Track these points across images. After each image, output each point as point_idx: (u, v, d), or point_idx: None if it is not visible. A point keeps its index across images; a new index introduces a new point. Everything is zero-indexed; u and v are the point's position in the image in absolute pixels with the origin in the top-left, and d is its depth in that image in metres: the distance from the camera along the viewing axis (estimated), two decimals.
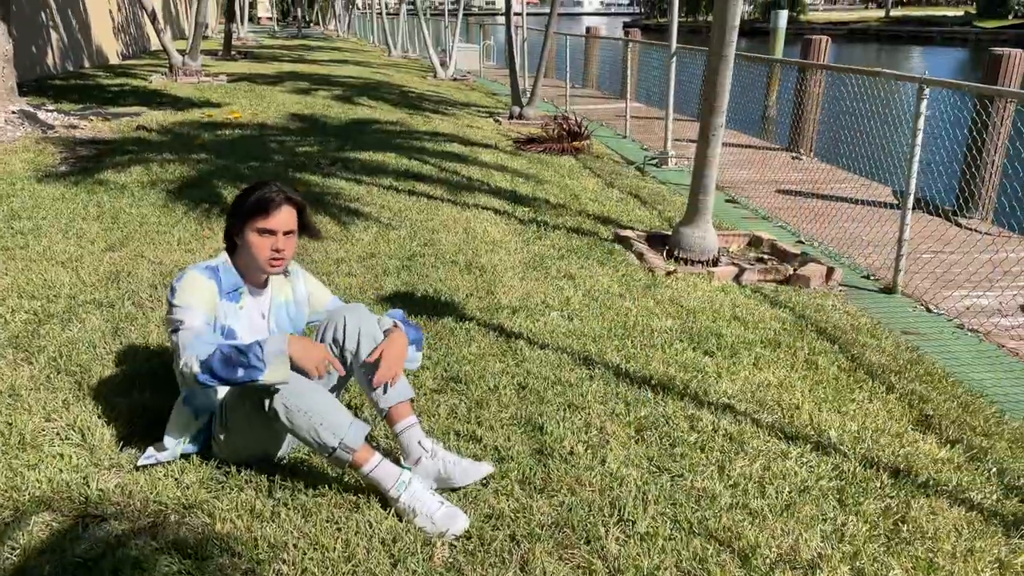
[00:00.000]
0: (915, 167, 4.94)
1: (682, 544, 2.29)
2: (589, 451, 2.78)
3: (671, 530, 2.36)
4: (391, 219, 5.75)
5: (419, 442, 2.52)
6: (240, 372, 2.31)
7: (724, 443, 2.90)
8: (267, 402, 2.30)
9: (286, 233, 2.54)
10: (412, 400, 2.60)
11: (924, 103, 4.83)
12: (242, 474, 2.56)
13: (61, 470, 2.57)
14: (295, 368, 2.34)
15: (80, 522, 2.34)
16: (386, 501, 2.37)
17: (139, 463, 2.59)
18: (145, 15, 15.46)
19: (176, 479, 2.55)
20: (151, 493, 2.47)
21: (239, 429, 2.51)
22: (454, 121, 11.23)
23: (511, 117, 11.81)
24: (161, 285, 4.21)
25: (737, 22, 4.90)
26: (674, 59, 8.97)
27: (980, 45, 46.87)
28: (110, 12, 18.98)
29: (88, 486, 2.49)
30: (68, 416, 2.88)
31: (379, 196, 6.39)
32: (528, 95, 11.90)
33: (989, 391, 3.67)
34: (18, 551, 2.21)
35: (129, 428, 2.82)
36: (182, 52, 14.72)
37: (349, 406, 2.89)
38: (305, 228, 2.65)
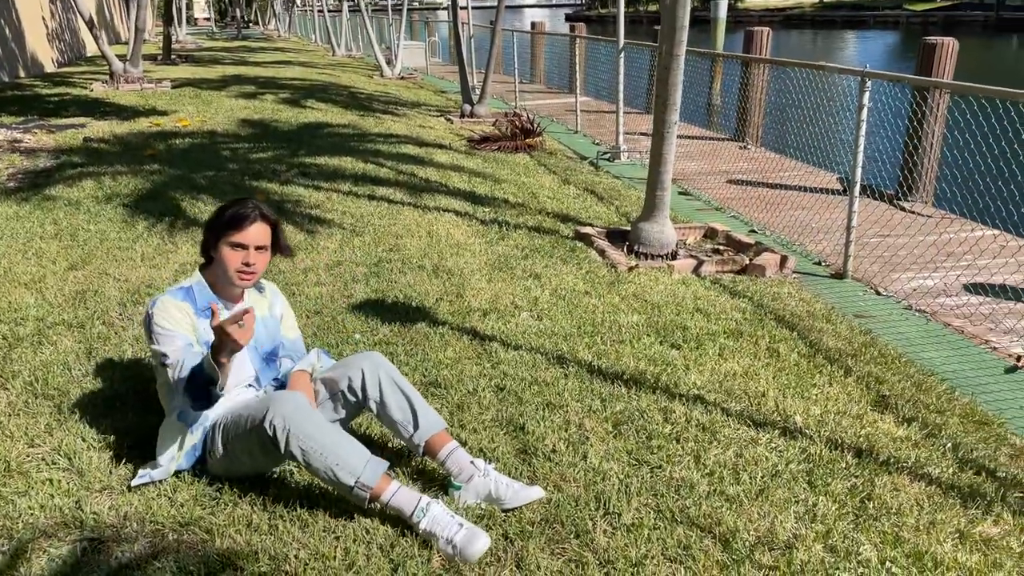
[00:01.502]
0: (860, 156, 5.15)
1: (666, 533, 2.42)
2: (571, 448, 2.89)
3: (655, 520, 2.49)
4: (354, 225, 5.79)
5: (471, 462, 2.60)
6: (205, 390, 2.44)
7: (697, 433, 3.03)
8: (282, 444, 2.35)
9: (258, 248, 2.62)
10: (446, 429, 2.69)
11: (867, 95, 5.04)
12: (235, 489, 2.61)
13: (52, 495, 2.59)
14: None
15: (78, 547, 2.37)
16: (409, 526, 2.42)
17: (133, 483, 2.62)
18: (81, 20, 15.11)
19: (169, 498, 2.59)
20: (146, 513, 2.51)
21: (240, 456, 2.56)
22: (406, 122, 11.25)
23: (462, 115, 11.86)
24: (130, 303, 4.21)
25: (687, 22, 5.05)
26: (622, 54, 9.12)
27: (911, 28, 48.28)
28: (43, 18, 18.50)
29: (82, 510, 2.52)
30: (52, 441, 2.89)
31: (340, 202, 6.41)
32: (478, 93, 11.96)
33: (939, 369, 3.88)
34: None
35: (116, 449, 2.84)
36: (122, 58, 14.45)
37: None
38: (278, 246, 2.72)
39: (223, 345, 2.31)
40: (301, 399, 2.47)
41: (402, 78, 18.54)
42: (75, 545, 2.37)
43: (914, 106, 7.06)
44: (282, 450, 2.37)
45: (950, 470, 2.89)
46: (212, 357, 2.34)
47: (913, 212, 7.00)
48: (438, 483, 2.69)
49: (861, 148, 5.13)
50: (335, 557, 2.29)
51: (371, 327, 3.98)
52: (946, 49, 6.97)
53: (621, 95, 9.17)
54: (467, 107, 11.88)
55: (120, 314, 4.07)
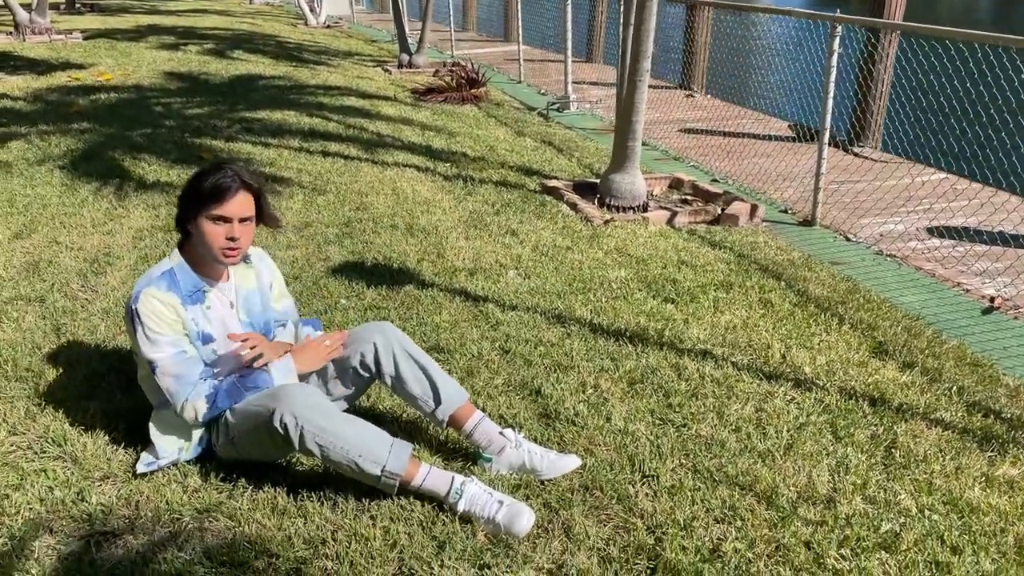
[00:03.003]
0: (830, 103, 5.16)
1: (709, 494, 2.38)
2: (592, 410, 2.82)
3: (694, 481, 2.45)
4: (314, 183, 5.54)
5: (500, 432, 2.48)
6: (247, 395, 2.36)
7: (714, 389, 3.00)
8: (296, 442, 2.19)
9: (242, 220, 2.37)
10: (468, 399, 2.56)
11: (836, 40, 5.02)
12: (250, 472, 2.45)
13: (51, 487, 2.39)
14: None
15: (91, 542, 2.19)
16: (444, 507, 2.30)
17: (138, 470, 2.44)
18: None
19: (180, 483, 2.42)
20: (159, 501, 2.34)
21: (249, 449, 2.40)
22: (342, 73, 10.84)
23: (400, 66, 11.50)
24: (90, 273, 3.92)
25: None
26: (569, 2, 8.92)
27: None
28: None
29: (86, 501, 2.34)
30: (36, 427, 2.67)
31: (293, 159, 6.13)
32: (415, 42, 11.60)
33: (920, 313, 3.94)
34: None
35: (109, 433, 2.64)
36: (27, 8, 13.46)
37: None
38: (263, 215, 2.48)
39: (305, 364, 2.43)
40: (308, 390, 2.30)
41: (328, 27, 17.87)
42: (86, 540, 2.20)
43: (865, 51, 7.12)
44: (296, 447, 2.21)
45: (959, 414, 2.94)
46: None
47: (864, 157, 7.11)
48: (462, 453, 2.59)
49: (831, 95, 5.13)
50: (375, 538, 2.18)
51: (356, 291, 3.81)
52: None
53: (569, 43, 9.00)
54: (405, 57, 11.51)
55: (82, 286, 3.79)
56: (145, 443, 2.54)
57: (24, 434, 2.64)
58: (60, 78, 9.35)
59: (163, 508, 2.31)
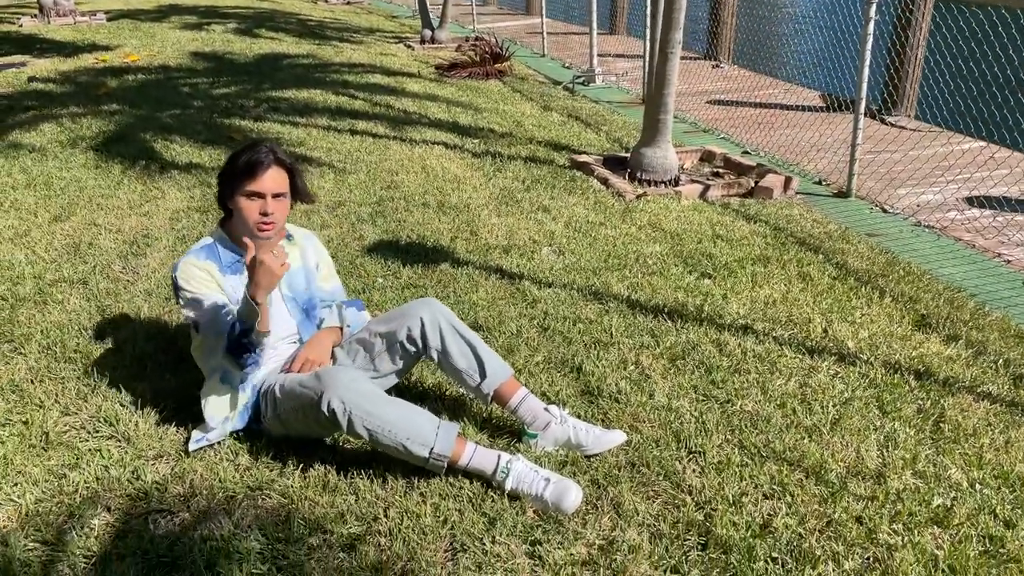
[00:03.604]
0: (866, 72, 5.07)
1: (757, 470, 2.38)
2: (635, 387, 2.82)
3: (741, 457, 2.45)
4: (343, 162, 5.54)
5: (545, 408, 2.49)
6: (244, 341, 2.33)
7: (756, 364, 2.99)
8: (344, 426, 2.21)
9: (275, 196, 2.43)
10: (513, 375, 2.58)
11: (873, 7, 4.93)
12: (299, 449, 2.48)
13: (106, 467, 2.44)
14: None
15: (147, 519, 2.23)
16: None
17: (190, 448, 2.48)
18: None
19: (232, 461, 2.45)
20: (213, 479, 2.37)
21: (296, 427, 2.44)
22: (366, 50, 10.80)
23: (423, 42, 11.44)
24: (131, 255, 3.97)
25: None
26: None
27: None
28: None
29: (142, 480, 2.38)
30: (88, 408, 2.72)
31: (322, 138, 6.13)
32: (438, 17, 11.52)
33: (962, 285, 3.89)
34: (93, 558, 2.10)
35: (160, 413, 2.68)
36: None
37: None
38: (297, 192, 2.54)
39: (259, 281, 2.22)
40: (354, 374, 2.34)
41: (348, 3, 17.81)
42: (143, 517, 2.24)
43: (899, 17, 6.98)
44: (344, 431, 2.24)
45: (1005, 387, 2.91)
46: (249, 297, 2.25)
47: (898, 126, 6.99)
48: (506, 430, 2.60)
49: (867, 63, 5.04)
50: (426, 515, 2.20)
51: (392, 270, 3.82)
52: None
53: (594, 16, 8.90)
54: (427, 33, 11.45)
55: (123, 268, 3.83)
56: (194, 422, 2.59)
57: (77, 414, 2.69)
58: (87, 60, 9.39)
59: (216, 486, 2.35)
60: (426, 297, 2.65)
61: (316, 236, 2.79)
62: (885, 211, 5.02)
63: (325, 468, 2.40)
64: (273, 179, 2.41)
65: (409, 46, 11.32)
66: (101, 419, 2.66)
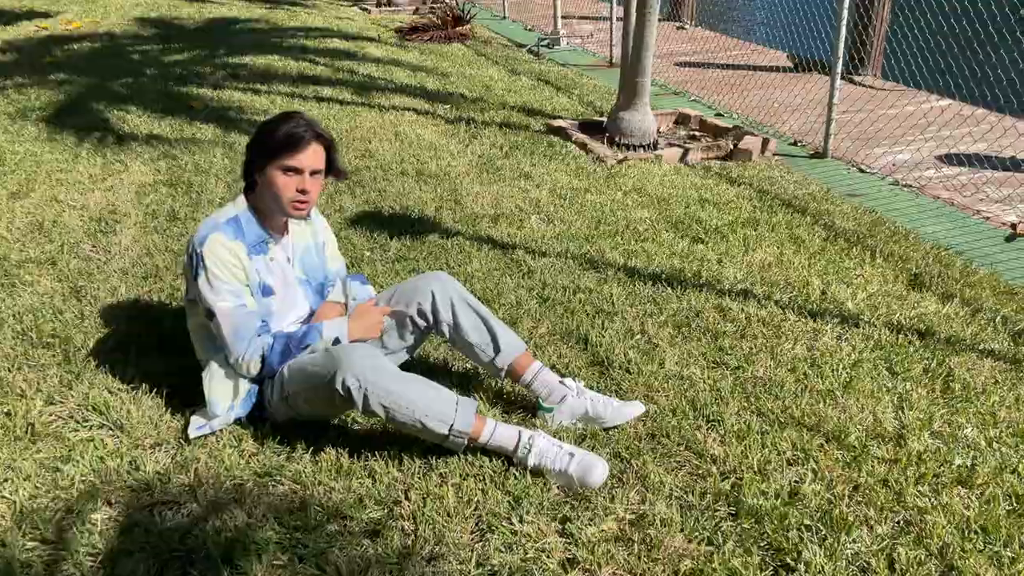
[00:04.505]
0: (843, 31, 5.04)
1: (778, 436, 2.35)
2: (644, 356, 2.77)
3: (760, 423, 2.42)
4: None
5: (561, 382, 2.42)
6: (297, 353, 2.32)
7: (761, 329, 2.96)
8: (359, 404, 2.11)
9: (313, 173, 2.29)
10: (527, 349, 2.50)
11: None
12: (306, 433, 2.38)
13: (101, 458, 2.31)
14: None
15: (153, 511, 2.12)
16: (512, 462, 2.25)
17: (191, 435, 2.36)
18: None
19: (236, 448, 2.34)
20: (218, 467, 2.26)
21: (302, 408, 2.32)
22: (320, 14, 10.49)
23: (379, 4, 11.15)
24: (99, 232, 3.78)
25: None
26: None
27: None
28: None
29: (141, 471, 2.26)
30: (74, 395, 2.57)
31: (287, 106, 5.92)
32: None
33: (946, 242, 3.91)
34: (99, 555, 1.99)
35: (152, 398, 2.55)
36: None
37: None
38: (332, 168, 2.40)
39: (356, 330, 2.36)
40: (368, 350, 2.23)
41: None
42: (148, 510, 2.12)
43: None
44: (360, 409, 2.14)
45: (1006, 344, 2.93)
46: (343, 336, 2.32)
47: (865, 85, 7.02)
48: (520, 405, 2.53)
49: (844, 22, 5.01)
50: (448, 496, 2.13)
51: (379, 243, 3.70)
52: None
53: None
54: None
55: (94, 246, 3.65)
56: (191, 406, 2.47)
57: (63, 403, 2.55)
58: (27, 28, 8.96)
59: (223, 474, 2.24)
60: (435, 271, 2.55)
61: (320, 214, 2.67)
62: (862, 171, 5.03)
63: (336, 451, 2.30)
64: (313, 155, 2.27)
65: (365, 9, 11.02)
66: (89, 407, 2.52)
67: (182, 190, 4.24)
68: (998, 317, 3.11)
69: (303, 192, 2.28)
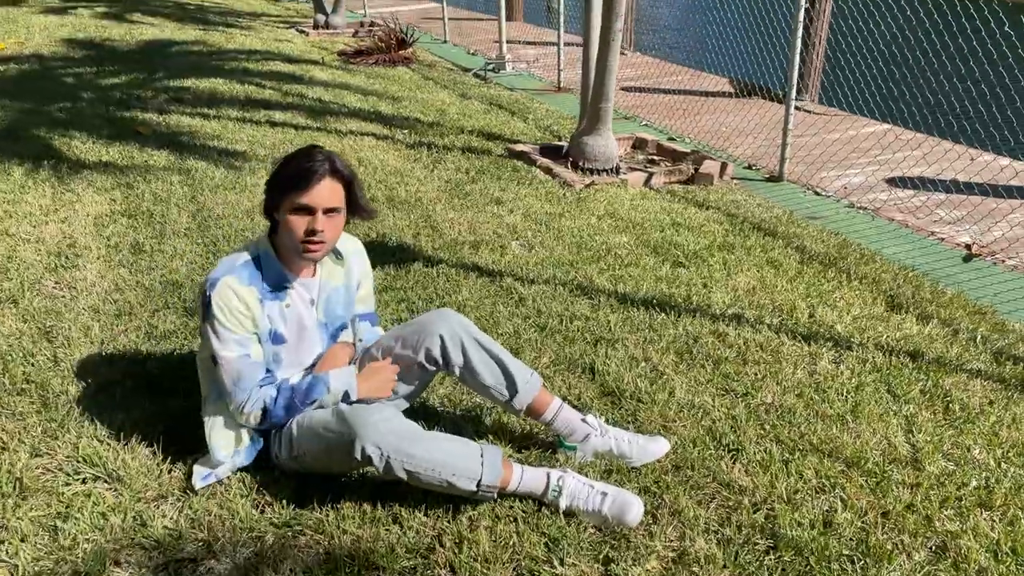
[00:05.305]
0: (796, 59, 5.19)
1: (801, 464, 2.36)
2: (654, 385, 2.76)
3: (780, 451, 2.43)
4: (272, 155, 5.22)
5: (583, 420, 2.36)
6: (302, 409, 2.21)
7: (760, 354, 2.99)
8: (380, 469, 2.02)
9: (327, 211, 2.13)
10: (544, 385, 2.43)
11: None
12: (320, 480, 2.27)
13: (103, 514, 2.16)
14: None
15: (170, 571, 1.99)
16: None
17: (196, 485, 2.23)
18: None
19: (247, 497, 2.23)
20: (231, 519, 2.14)
21: (314, 466, 2.22)
22: (257, 35, 10.28)
23: (316, 27, 10.99)
24: (62, 267, 3.57)
25: None
26: None
27: None
28: None
29: (148, 526, 2.12)
30: (62, 446, 2.41)
31: (239, 131, 5.76)
32: (332, 2, 11.09)
33: (911, 264, 4.04)
34: None
35: (148, 446, 2.41)
36: None
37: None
38: (354, 206, 2.24)
39: (366, 388, 2.27)
40: (385, 412, 2.11)
41: None
42: (165, 570, 1.99)
43: (806, 3, 7.19)
44: (381, 473, 2.05)
45: (990, 363, 3.03)
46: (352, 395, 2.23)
47: (806, 110, 7.25)
48: (536, 438, 2.48)
49: (797, 51, 5.16)
50: (482, 540, 2.06)
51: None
52: None
53: (503, 2, 8.78)
54: (321, 18, 11.01)
55: (57, 282, 3.44)
56: (190, 452, 2.35)
57: (50, 455, 2.38)
58: None
59: (239, 527, 2.12)
60: (441, 309, 2.45)
61: (363, 250, 2.49)
62: (817, 194, 5.17)
63: (355, 497, 2.21)
64: (327, 192, 2.11)
65: (302, 31, 10.85)
66: (80, 458, 2.36)
67: (143, 221, 4.05)
68: (977, 336, 3.22)
69: (313, 232, 2.12)
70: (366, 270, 2.48)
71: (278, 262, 2.22)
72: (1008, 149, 5.94)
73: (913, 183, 5.30)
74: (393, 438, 2.03)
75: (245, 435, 2.28)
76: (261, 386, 2.19)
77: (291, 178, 2.12)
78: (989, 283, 3.88)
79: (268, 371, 2.23)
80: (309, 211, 2.12)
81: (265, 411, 2.18)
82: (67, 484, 2.27)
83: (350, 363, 2.38)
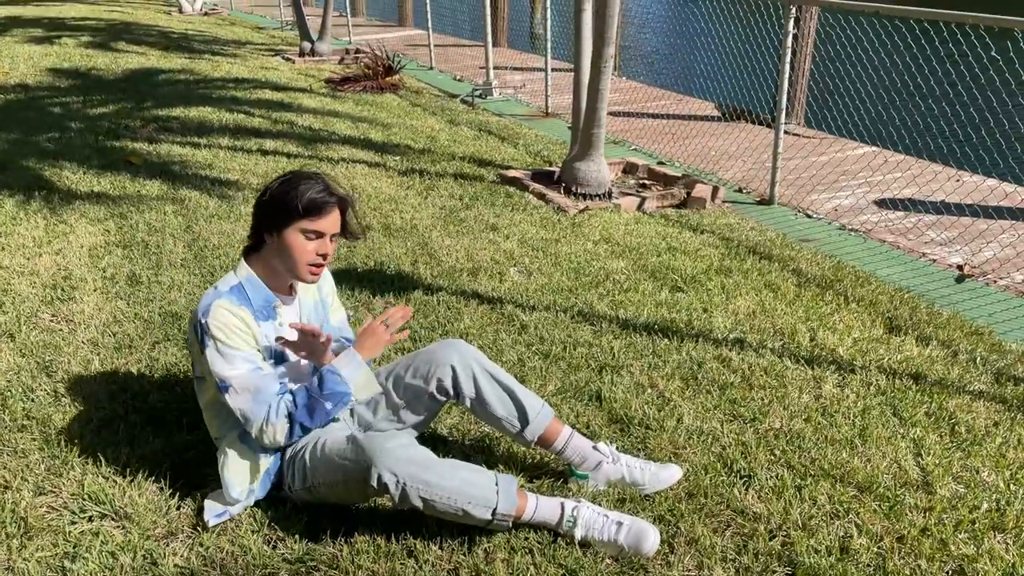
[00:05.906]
0: (785, 84, 5.26)
1: (814, 490, 2.37)
2: (661, 412, 2.76)
3: (792, 477, 2.43)
4: (265, 185, 5.20)
5: (595, 447, 2.35)
6: (329, 407, 2.16)
7: (765, 379, 3.00)
8: (396, 498, 2.02)
9: (333, 236, 2.22)
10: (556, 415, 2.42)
11: (791, 21, 5.12)
12: (332, 512, 2.25)
13: (112, 553, 2.12)
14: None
15: None
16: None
17: (209, 522, 2.20)
18: None
19: (258, 533, 2.20)
20: (245, 557, 2.11)
21: (328, 497, 2.21)
22: (243, 63, 10.29)
23: (302, 54, 11.02)
24: (58, 300, 3.53)
25: None
26: None
27: None
28: None
29: (159, 564, 2.09)
30: (67, 483, 2.37)
31: (231, 159, 5.75)
32: (317, 29, 11.13)
33: (905, 286, 4.08)
34: None
35: (155, 482, 2.37)
36: None
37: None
38: (346, 229, 2.29)
39: (364, 345, 2.21)
40: (401, 440, 2.11)
41: (206, 14, 16.96)
42: None
43: (794, 28, 7.30)
44: (397, 501, 2.04)
45: (991, 384, 3.05)
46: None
47: (793, 134, 7.33)
48: (547, 467, 2.47)
49: (786, 76, 5.24)
50: (500, 573, 2.04)
51: (361, 300, 3.60)
52: None
53: (489, 28, 8.85)
54: (307, 45, 11.03)
55: (54, 315, 3.40)
56: (198, 487, 2.32)
57: (55, 493, 2.34)
58: None
59: (252, 563, 2.09)
60: (451, 340, 2.46)
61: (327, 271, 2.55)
62: (808, 216, 5.22)
63: (368, 530, 2.19)
64: (335, 219, 2.20)
65: (288, 59, 10.87)
66: (86, 496, 2.32)
67: (139, 251, 4.02)
68: (976, 357, 3.25)
69: (323, 256, 2.19)
70: (329, 279, 2.54)
71: (263, 285, 2.23)
72: (998, 171, 6.04)
73: (903, 204, 5.36)
74: (408, 466, 2.02)
75: (262, 465, 2.24)
76: (280, 395, 2.17)
77: (305, 205, 2.14)
78: (983, 304, 3.92)
79: (282, 383, 2.22)
80: (319, 236, 2.17)
81: (291, 417, 2.13)
82: (73, 523, 2.23)
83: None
